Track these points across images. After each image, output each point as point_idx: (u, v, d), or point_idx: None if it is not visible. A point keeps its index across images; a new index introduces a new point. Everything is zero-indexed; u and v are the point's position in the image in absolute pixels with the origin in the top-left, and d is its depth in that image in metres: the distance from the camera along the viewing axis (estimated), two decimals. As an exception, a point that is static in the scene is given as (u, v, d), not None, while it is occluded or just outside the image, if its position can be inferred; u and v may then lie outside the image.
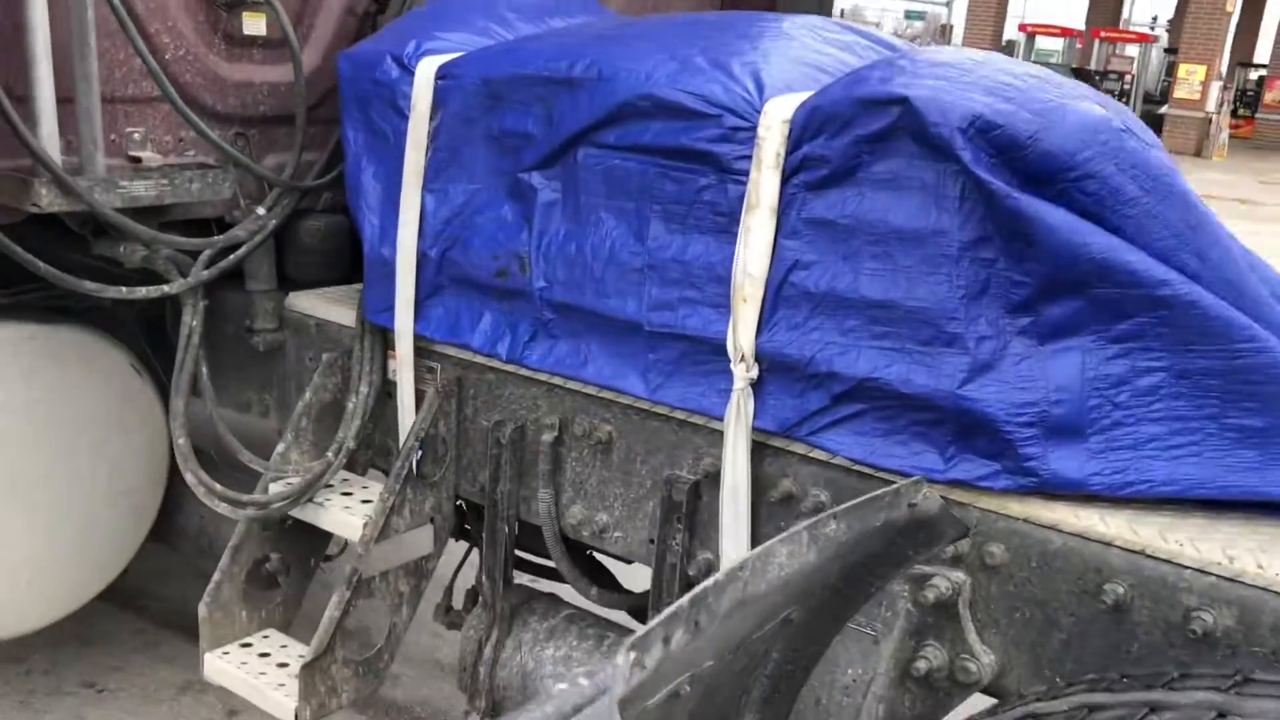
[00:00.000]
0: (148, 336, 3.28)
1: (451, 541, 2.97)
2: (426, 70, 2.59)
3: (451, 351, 2.70)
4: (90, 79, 2.46)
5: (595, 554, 2.89)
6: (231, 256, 2.84)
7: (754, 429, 2.20)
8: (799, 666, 1.91)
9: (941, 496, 1.91)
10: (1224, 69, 27.27)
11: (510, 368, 2.59)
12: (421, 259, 2.65)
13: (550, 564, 2.86)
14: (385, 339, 2.83)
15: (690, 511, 2.34)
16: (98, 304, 2.94)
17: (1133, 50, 32.93)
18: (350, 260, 3.15)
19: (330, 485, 2.82)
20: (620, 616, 2.86)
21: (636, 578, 2.87)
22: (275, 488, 2.80)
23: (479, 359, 2.65)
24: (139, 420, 3.17)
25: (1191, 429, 1.93)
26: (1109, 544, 1.87)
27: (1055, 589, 1.93)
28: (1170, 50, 31.13)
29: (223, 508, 2.75)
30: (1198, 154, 24.69)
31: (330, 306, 3.01)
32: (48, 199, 2.42)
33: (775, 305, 2.15)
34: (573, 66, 2.37)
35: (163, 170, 2.67)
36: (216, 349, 3.00)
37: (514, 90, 2.46)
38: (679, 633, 1.27)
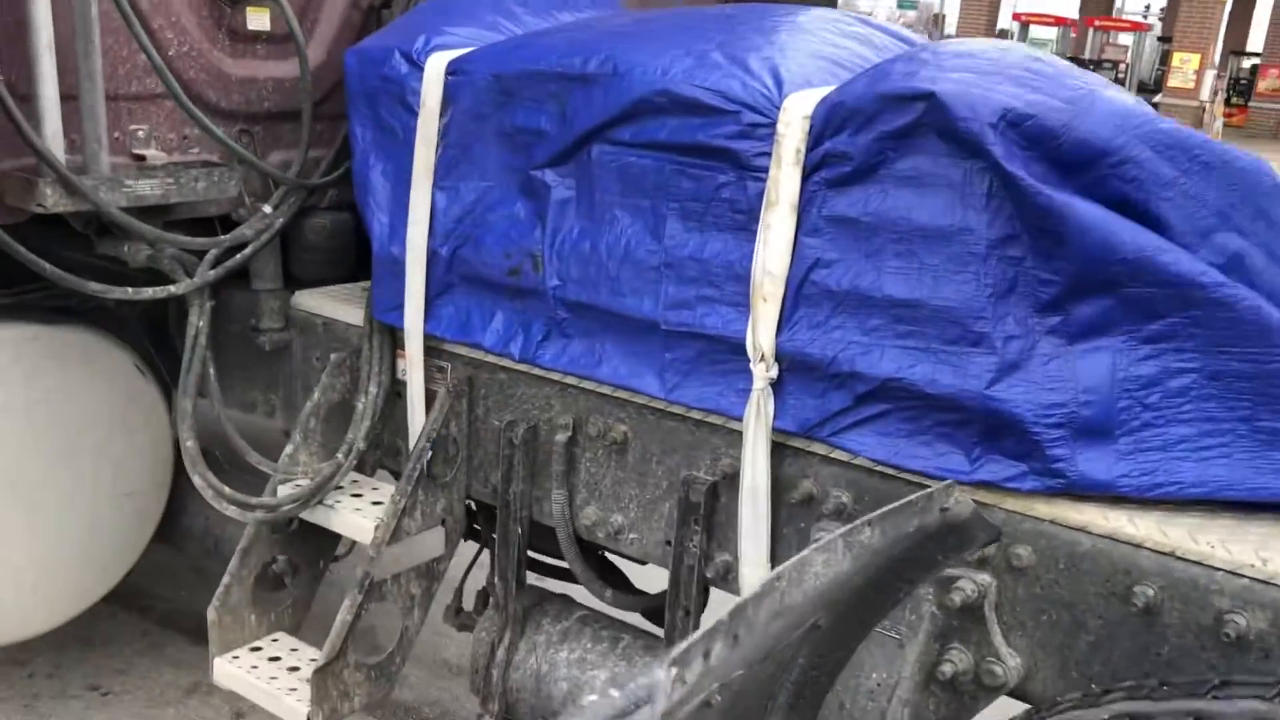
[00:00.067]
0: (151, 336, 3.24)
1: (460, 542, 2.93)
2: (436, 66, 2.55)
3: (462, 351, 2.67)
4: (94, 76, 2.41)
5: (607, 555, 2.86)
6: (238, 256, 2.80)
7: (774, 429, 2.17)
8: (824, 672, 1.89)
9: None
10: (1217, 57, 27.28)
11: (523, 367, 2.56)
12: (432, 257, 2.61)
13: (561, 565, 2.84)
14: (394, 338, 2.79)
15: (708, 513, 2.31)
16: (101, 304, 2.90)
17: (1127, 39, 32.93)
18: (355, 258, 3.12)
19: (340, 487, 2.79)
20: (634, 618, 2.84)
21: (649, 579, 2.84)
22: (284, 490, 2.76)
23: (490, 358, 2.62)
24: (143, 421, 3.13)
25: (1222, 431, 1.91)
26: (1139, 546, 1.85)
27: (1083, 591, 1.91)
28: (1164, 39, 31.12)
29: (231, 510, 2.71)
30: (1192, 143, 24.62)
31: (337, 305, 2.97)
32: (53, 199, 2.38)
33: (796, 304, 2.11)
34: (587, 62, 2.34)
35: (168, 169, 2.63)
36: (221, 348, 2.96)
37: (527, 86, 2.42)
38: (719, 646, 1.24)
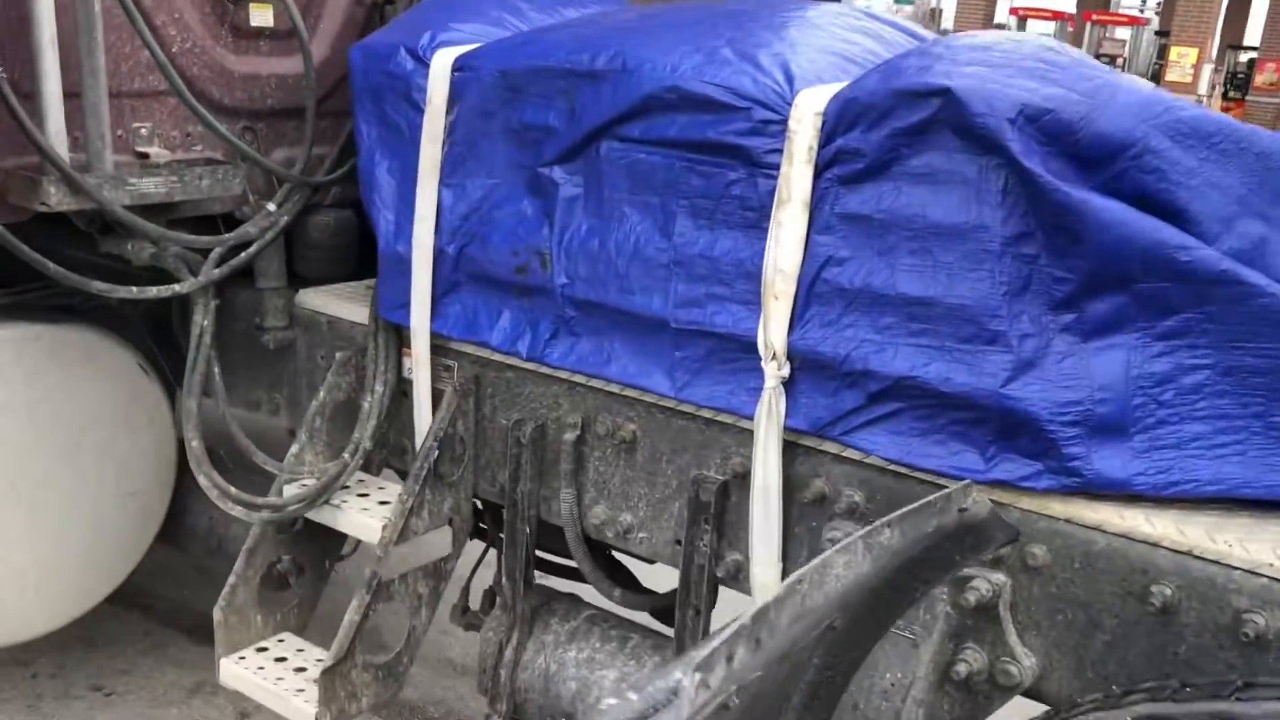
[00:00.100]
0: (153, 335, 3.22)
1: (467, 541, 2.92)
2: (442, 62, 2.52)
3: (469, 349, 2.65)
4: (97, 73, 2.39)
5: (614, 554, 2.85)
6: (243, 254, 2.78)
7: (785, 428, 2.16)
8: (839, 672, 1.87)
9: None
10: (1215, 51, 27.27)
11: (530, 366, 2.54)
12: (438, 255, 2.59)
13: (568, 564, 2.82)
14: (400, 337, 2.77)
15: (718, 512, 2.30)
16: (103, 303, 2.88)
17: (1124, 33, 32.87)
18: (358, 256, 3.10)
19: (346, 486, 2.77)
20: (642, 617, 2.82)
21: (657, 578, 2.83)
22: (290, 489, 2.74)
23: (497, 357, 2.60)
24: (146, 420, 3.11)
25: (1236, 428, 1.90)
26: (1155, 545, 1.83)
27: (1099, 590, 1.89)
28: (1162, 33, 31.09)
29: (237, 511, 2.69)
30: (1189, 137, 24.65)
31: (341, 303, 2.95)
32: (57, 198, 2.36)
33: (808, 302, 2.10)
34: (595, 58, 2.32)
35: (172, 167, 2.61)
36: (225, 347, 2.94)
37: (534, 82, 2.40)
38: (741, 650, 1.23)
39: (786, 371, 2.13)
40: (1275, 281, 1.82)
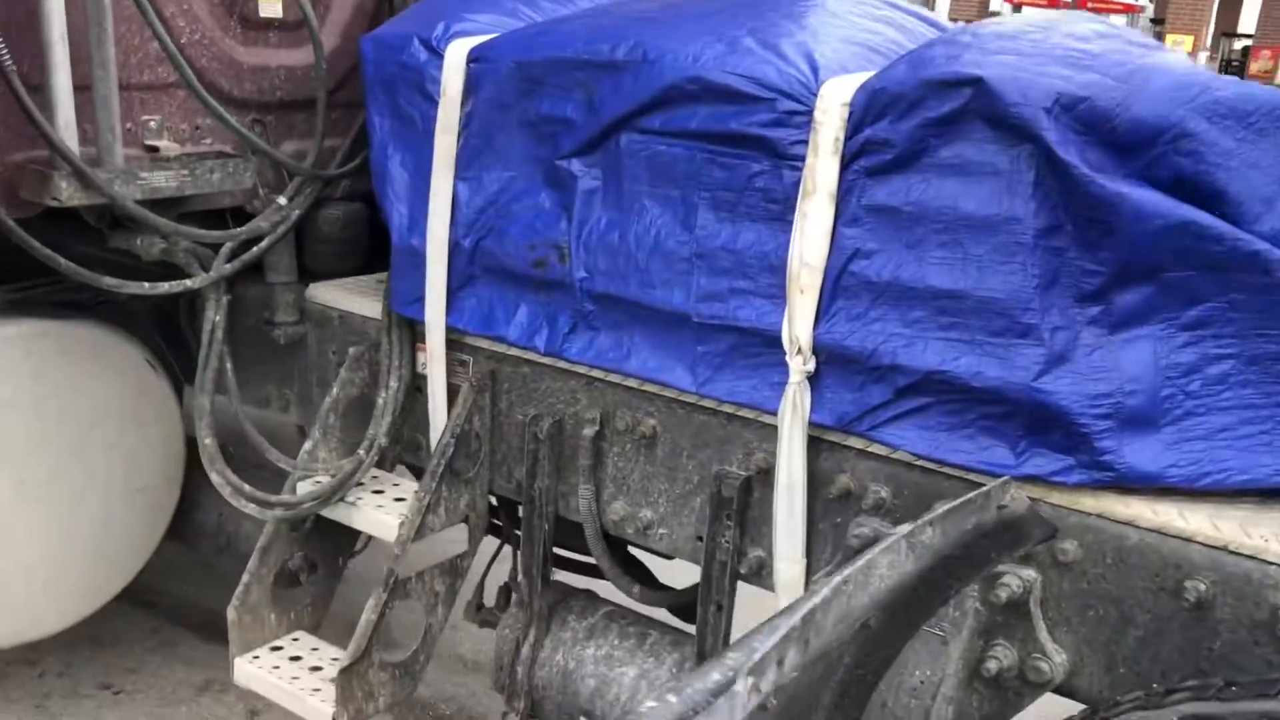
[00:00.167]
0: (161, 330, 3.18)
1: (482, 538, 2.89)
2: (457, 53, 2.49)
3: (485, 344, 2.62)
4: (108, 65, 2.35)
5: (630, 550, 2.82)
6: (255, 249, 2.75)
7: (810, 423, 2.13)
8: (870, 671, 1.85)
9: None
10: (1210, 39, 27.27)
11: (548, 360, 2.51)
12: (454, 249, 2.56)
13: (585, 560, 2.80)
14: (414, 331, 2.74)
15: (741, 508, 2.27)
16: (111, 298, 2.85)
17: (1119, 21, 32.89)
18: (369, 250, 3.07)
19: (360, 483, 2.74)
20: (660, 614, 2.80)
21: (675, 574, 2.80)
22: (304, 487, 2.71)
23: (514, 351, 2.57)
24: (154, 415, 3.08)
25: (1261, 418, 1.88)
26: (1189, 540, 1.81)
27: (1131, 586, 1.87)
28: (1157, 21, 31.08)
29: (251, 509, 2.66)
30: (1184, 125, 24.65)
31: (353, 298, 2.92)
32: (68, 192, 2.32)
33: (834, 295, 2.07)
34: (615, 49, 2.28)
35: (182, 160, 2.57)
36: (235, 342, 2.91)
37: (552, 74, 2.37)
38: (792, 653, 1.20)
39: (812, 366, 2.10)
40: None
